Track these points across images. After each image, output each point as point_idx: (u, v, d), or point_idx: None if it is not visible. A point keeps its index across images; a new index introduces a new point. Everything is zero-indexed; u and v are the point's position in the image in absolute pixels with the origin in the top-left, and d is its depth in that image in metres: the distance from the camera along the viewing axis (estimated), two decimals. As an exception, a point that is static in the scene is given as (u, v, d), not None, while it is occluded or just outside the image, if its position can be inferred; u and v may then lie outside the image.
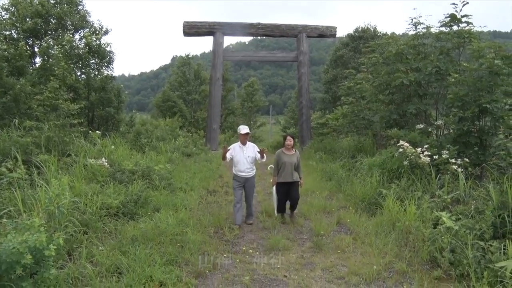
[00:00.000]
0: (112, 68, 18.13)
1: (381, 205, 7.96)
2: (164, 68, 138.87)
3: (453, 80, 9.35)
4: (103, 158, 9.33)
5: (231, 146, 8.10)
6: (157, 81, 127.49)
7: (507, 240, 5.04)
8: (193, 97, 35.10)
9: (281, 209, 8.32)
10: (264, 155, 8.07)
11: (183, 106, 33.27)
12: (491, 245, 5.17)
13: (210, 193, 10.56)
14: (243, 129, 8.09)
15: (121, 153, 10.81)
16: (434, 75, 10.40)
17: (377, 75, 12.74)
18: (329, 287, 5.15)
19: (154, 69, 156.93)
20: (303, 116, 21.83)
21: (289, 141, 8.17)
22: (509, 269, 4.50)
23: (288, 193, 8.11)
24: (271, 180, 8.49)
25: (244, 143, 8.04)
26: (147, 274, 4.98)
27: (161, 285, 4.89)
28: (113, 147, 10.93)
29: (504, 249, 5.03)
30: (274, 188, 8.32)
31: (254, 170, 8.20)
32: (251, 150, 8.07)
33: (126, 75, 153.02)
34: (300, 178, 8.24)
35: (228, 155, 7.94)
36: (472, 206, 6.35)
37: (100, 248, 5.77)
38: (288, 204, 8.36)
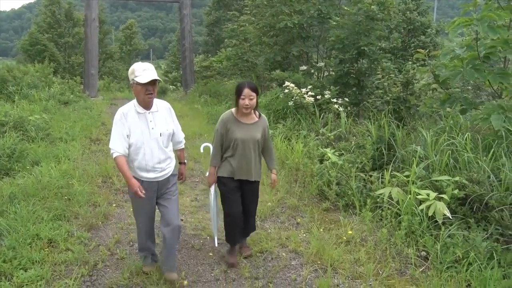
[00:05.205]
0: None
1: (269, 145, 8.20)
2: (28, 7, 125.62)
3: (334, 23, 9.73)
4: (-39, 111, 8.25)
5: (120, 112, 3.54)
6: (20, 22, 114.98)
7: (384, 170, 5.54)
8: (66, 40, 32.07)
9: (232, 235, 4.26)
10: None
11: (55, 50, 30.39)
12: (371, 176, 5.67)
13: (93, 141, 9.95)
14: (147, 71, 3.44)
15: (-15, 103, 9.66)
16: (316, 18, 10.73)
17: (260, 17, 12.77)
18: (226, 226, 5.23)
19: (16, 8, 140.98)
20: (186, 59, 21.35)
21: (249, 98, 3.90)
22: (386, 196, 4.97)
23: (242, 201, 4.22)
24: (207, 174, 4.45)
25: (148, 106, 3.58)
26: (32, 232, 4.55)
27: (50, 242, 4.55)
28: (-27, 97, 9.70)
29: (382, 178, 5.54)
30: (212, 189, 4.40)
31: (174, 161, 3.85)
32: (164, 118, 3.69)
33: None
34: (271, 170, 4.44)
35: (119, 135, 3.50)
36: (353, 142, 6.86)
37: (-30, 211, 5.15)
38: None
